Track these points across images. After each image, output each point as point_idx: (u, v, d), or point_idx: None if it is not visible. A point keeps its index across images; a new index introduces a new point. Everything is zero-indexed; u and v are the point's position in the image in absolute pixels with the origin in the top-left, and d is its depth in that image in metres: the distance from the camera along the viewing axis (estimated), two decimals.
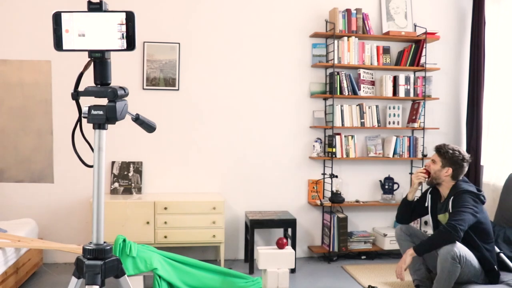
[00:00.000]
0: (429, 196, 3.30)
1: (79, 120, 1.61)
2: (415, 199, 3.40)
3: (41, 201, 4.13)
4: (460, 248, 2.83)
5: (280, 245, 3.38)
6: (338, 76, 4.31)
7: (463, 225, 2.85)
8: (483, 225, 3.01)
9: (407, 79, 4.48)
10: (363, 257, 4.40)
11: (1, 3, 4.02)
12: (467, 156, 3.14)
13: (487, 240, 3.04)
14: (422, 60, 4.46)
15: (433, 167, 3.16)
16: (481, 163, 4.42)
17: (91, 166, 1.59)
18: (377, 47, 4.45)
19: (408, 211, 3.35)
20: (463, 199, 2.96)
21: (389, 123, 4.53)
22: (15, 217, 4.02)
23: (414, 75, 4.58)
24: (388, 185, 4.48)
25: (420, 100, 4.50)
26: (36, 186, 4.12)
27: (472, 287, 2.93)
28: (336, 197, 4.28)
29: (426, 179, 3.21)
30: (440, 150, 3.16)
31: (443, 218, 3.11)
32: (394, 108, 4.50)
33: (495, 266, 3.01)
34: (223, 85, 4.33)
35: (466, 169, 3.15)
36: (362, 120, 4.40)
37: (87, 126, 1.58)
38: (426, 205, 3.30)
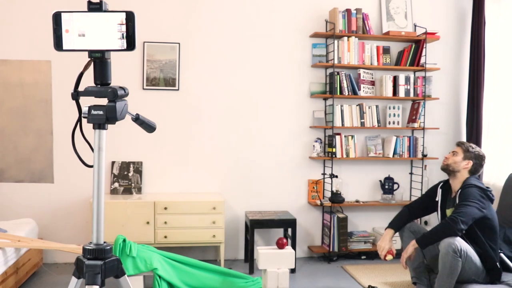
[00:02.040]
0: (439, 191, 3.30)
1: (79, 120, 1.61)
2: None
3: (41, 201, 4.13)
4: (461, 243, 2.84)
5: (280, 245, 3.38)
6: (338, 76, 4.31)
7: (464, 217, 2.85)
8: (490, 221, 3.00)
9: (407, 79, 4.48)
10: (363, 257, 4.40)
11: (1, 3, 4.02)
12: (485, 156, 3.20)
13: (492, 237, 3.03)
14: (422, 60, 4.46)
15: (454, 158, 3.17)
16: None
17: (91, 166, 1.59)
18: (377, 47, 4.45)
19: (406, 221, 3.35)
20: (469, 193, 2.97)
21: (389, 123, 4.53)
22: (15, 217, 4.03)
23: (414, 75, 4.59)
24: (388, 185, 4.48)
25: (420, 100, 4.50)
26: (36, 186, 4.12)
27: (472, 287, 2.92)
28: (336, 197, 4.28)
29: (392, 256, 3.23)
30: (463, 144, 3.21)
31: (450, 213, 3.12)
32: (394, 108, 4.50)
33: (497, 264, 3.01)
34: (223, 85, 4.34)
35: (482, 168, 3.20)
36: (362, 120, 4.40)
37: (87, 126, 1.58)
38: (437, 199, 3.31)
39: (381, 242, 3.23)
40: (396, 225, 3.29)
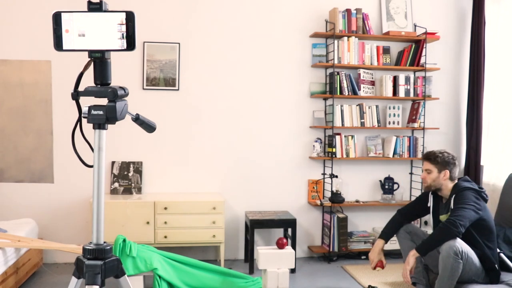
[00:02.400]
0: (431, 197, 3.29)
1: (79, 120, 1.61)
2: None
3: (41, 201, 4.13)
4: (462, 244, 2.83)
5: (280, 245, 3.38)
6: (338, 76, 4.31)
7: (463, 220, 2.84)
8: (485, 222, 3.00)
9: (407, 79, 4.48)
10: (363, 257, 4.40)
11: (1, 3, 4.02)
12: (454, 154, 3.19)
13: (490, 238, 3.03)
14: (422, 60, 4.46)
15: (431, 177, 3.15)
16: (481, 163, 4.42)
17: (91, 166, 1.59)
18: (377, 47, 4.45)
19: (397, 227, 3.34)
20: (464, 196, 2.96)
21: (389, 123, 4.53)
22: (15, 217, 4.02)
23: (414, 75, 4.59)
24: (388, 185, 4.48)
25: (420, 100, 4.50)
26: (36, 186, 4.12)
27: (472, 287, 2.92)
28: (336, 197, 4.28)
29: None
30: (430, 157, 3.17)
31: (445, 218, 3.11)
32: (394, 108, 4.50)
33: (496, 265, 3.01)
34: (223, 85, 4.34)
35: (458, 167, 3.17)
36: (362, 120, 4.40)
37: (87, 126, 1.58)
38: (429, 205, 3.30)
39: (371, 254, 3.25)
40: (387, 234, 3.30)
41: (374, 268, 3.23)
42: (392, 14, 4.53)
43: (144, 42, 4.17)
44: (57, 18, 1.47)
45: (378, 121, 4.45)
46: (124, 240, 3.15)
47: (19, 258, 3.33)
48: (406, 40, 4.55)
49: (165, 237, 3.85)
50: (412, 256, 2.93)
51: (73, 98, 1.54)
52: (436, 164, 3.13)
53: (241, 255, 4.42)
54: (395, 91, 4.49)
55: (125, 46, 1.47)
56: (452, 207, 2.99)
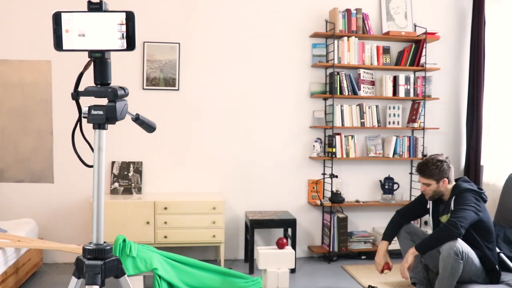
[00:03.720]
0: None
1: (79, 120, 1.61)
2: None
3: (41, 201, 4.13)
4: (462, 245, 2.84)
5: (280, 245, 3.39)
6: (338, 76, 4.31)
7: (463, 222, 2.84)
8: (485, 223, 3.01)
9: (407, 79, 4.48)
10: (363, 257, 4.40)
11: (1, 3, 4.02)
12: (444, 157, 3.15)
13: (489, 239, 3.03)
14: (422, 60, 4.46)
15: (431, 189, 3.13)
16: (481, 163, 4.42)
17: (91, 166, 1.59)
18: (377, 47, 4.45)
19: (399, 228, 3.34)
20: (464, 198, 2.96)
21: (389, 123, 4.53)
22: (15, 217, 4.03)
23: (414, 75, 4.59)
24: (388, 185, 4.48)
25: (420, 100, 4.50)
26: (36, 186, 4.12)
27: (472, 287, 2.93)
28: (336, 197, 4.28)
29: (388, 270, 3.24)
30: (425, 173, 3.12)
31: (445, 219, 3.10)
32: (394, 108, 4.50)
33: (497, 266, 3.01)
34: (223, 85, 4.34)
35: (452, 167, 3.16)
36: (362, 120, 4.40)
37: (87, 126, 1.58)
38: (428, 206, 3.30)
39: (376, 258, 3.23)
40: (389, 236, 3.29)
41: (382, 272, 3.22)
42: (392, 14, 4.53)
43: (144, 42, 4.17)
44: (57, 18, 1.47)
45: (378, 121, 4.45)
46: (124, 240, 3.15)
47: (19, 258, 3.34)
48: (406, 40, 4.55)
49: (165, 237, 3.85)
50: (411, 254, 2.94)
51: (73, 98, 1.54)
52: (433, 177, 3.10)
53: (241, 255, 4.42)
54: (395, 91, 4.49)
55: (125, 46, 1.47)
56: (453, 208, 2.99)
